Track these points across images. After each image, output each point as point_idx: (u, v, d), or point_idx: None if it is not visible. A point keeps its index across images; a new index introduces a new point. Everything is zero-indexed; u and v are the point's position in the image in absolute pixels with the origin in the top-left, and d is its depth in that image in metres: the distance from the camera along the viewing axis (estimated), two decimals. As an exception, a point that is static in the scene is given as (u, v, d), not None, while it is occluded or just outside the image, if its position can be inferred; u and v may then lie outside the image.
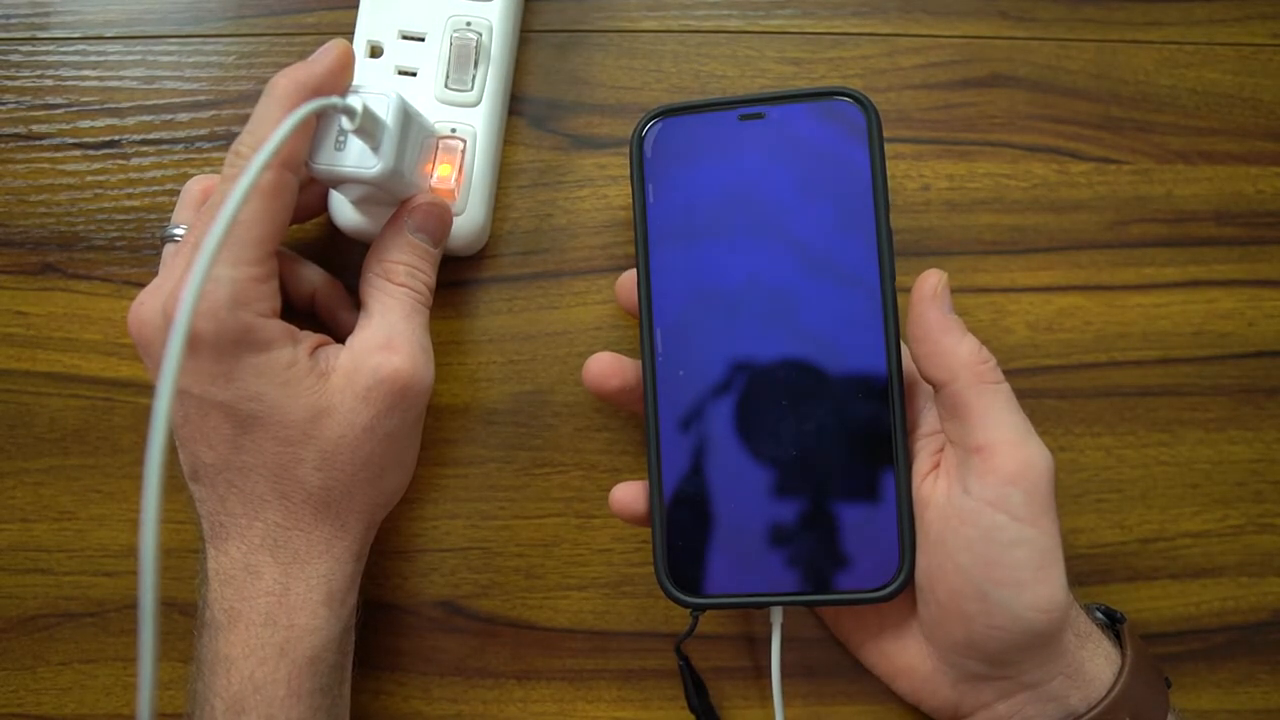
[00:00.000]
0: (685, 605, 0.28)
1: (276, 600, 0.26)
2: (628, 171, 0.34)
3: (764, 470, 0.28)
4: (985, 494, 0.25)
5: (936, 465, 0.28)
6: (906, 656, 0.29)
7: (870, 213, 0.27)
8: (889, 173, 0.34)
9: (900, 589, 0.27)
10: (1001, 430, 0.26)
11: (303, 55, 0.27)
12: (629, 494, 0.29)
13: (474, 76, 0.32)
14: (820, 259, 0.28)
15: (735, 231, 0.28)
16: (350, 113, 0.26)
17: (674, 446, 0.28)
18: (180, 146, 0.35)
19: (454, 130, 0.32)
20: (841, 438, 0.27)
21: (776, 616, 0.29)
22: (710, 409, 0.28)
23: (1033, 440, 0.26)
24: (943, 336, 0.26)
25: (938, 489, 0.27)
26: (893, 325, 0.27)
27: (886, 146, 0.28)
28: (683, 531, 0.28)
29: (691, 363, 0.28)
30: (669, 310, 0.28)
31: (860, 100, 0.28)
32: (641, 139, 0.29)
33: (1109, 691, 0.26)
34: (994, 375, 0.26)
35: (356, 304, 0.30)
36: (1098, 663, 0.27)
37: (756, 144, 0.28)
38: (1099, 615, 0.30)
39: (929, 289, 0.27)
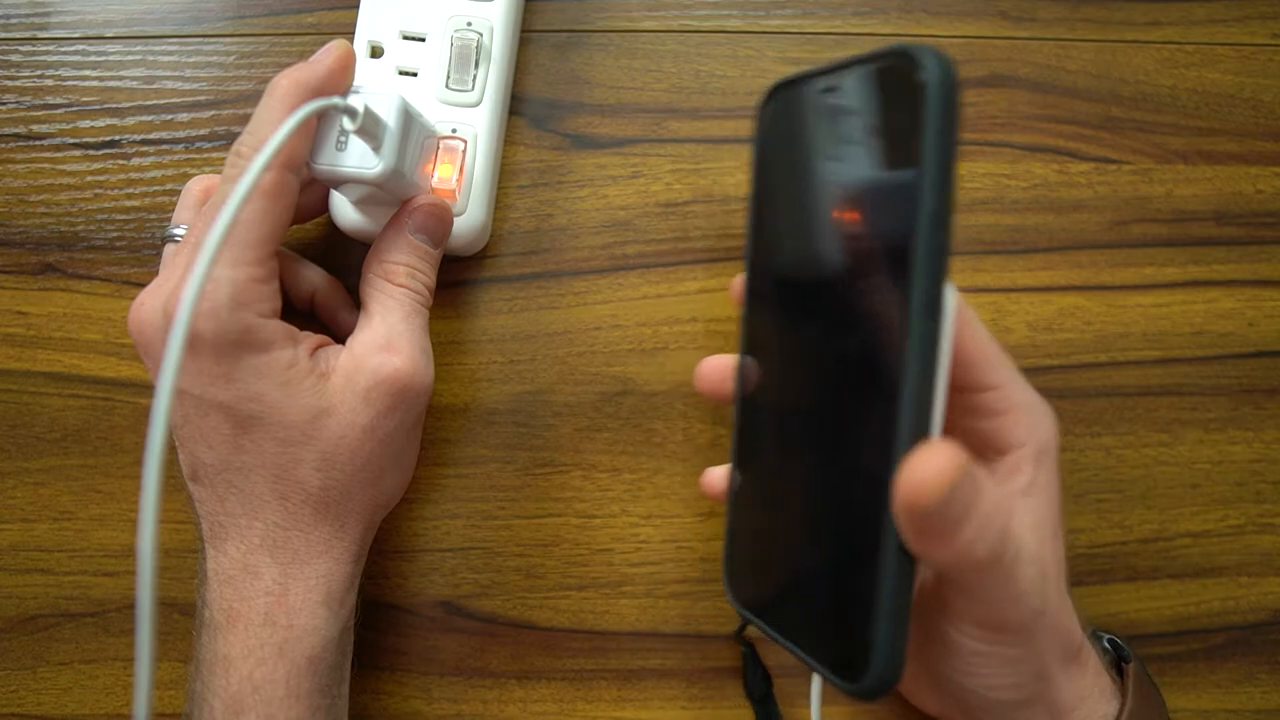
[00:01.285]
0: (733, 605, 0.28)
1: (275, 600, 0.26)
2: (627, 171, 0.35)
3: (786, 512, 0.25)
4: (962, 636, 0.25)
5: None
6: (915, 680, 0.29)
7: (914, 212, 0.20)
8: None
9: (871, 694, 0.21)
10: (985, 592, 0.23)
11: (303, 55, 0.27)
12: (718, 480, 0.29)
13: (475, 77, 0.32)
14: (862, 287, 0.22)
15: (800, 235, 0.25)
16: (352, 113, 0.26)
17: (741, 455, 0.27)
18: (180, 146, 0.35)
19: (455, 130, 0.32)
20: (847, 517, 0.23)
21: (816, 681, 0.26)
22: (760, 422, 0.27)
23: (1011, 583, 0.23)
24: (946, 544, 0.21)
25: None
26: (914, 381, 0.20)
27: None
28: (737, 539, 0.28)
29: (762, 368, 0.27)
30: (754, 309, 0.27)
31: (916, 58, 0.20)
32: (761, 114, 0.27)
33: None
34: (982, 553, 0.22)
35: (357, 304, 0.30)
36: (1099, 715, 0.27)
37: (829, 122, 0.24)
38: (1105, 645, 0.30)
39: (908, 501, 0.20)
